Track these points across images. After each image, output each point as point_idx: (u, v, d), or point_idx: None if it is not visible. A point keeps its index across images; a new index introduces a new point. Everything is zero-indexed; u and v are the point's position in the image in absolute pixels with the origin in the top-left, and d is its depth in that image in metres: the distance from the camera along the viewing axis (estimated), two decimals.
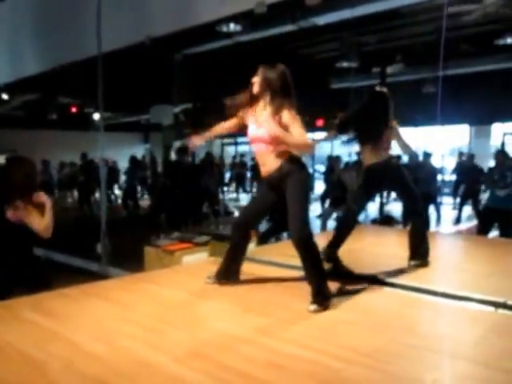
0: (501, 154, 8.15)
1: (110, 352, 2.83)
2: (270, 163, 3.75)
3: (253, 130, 3.83)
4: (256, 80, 3.76)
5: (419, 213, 4.91)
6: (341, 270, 4.57)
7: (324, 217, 10.41)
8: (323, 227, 10.12)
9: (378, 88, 4.96)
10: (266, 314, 3.47)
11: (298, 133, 3.58)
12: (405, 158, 12.24)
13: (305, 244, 3.62)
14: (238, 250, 4.16)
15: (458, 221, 11.73)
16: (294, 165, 3.71)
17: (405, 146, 4.91)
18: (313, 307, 3.51)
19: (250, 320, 3.37)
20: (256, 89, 3.76)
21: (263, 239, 7.31)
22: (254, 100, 3.83)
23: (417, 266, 4.72)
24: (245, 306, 3.69)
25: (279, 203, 3.82)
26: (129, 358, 2.75)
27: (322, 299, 3.57)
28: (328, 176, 12.22)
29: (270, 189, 3.91)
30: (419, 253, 4.78)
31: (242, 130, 3.98)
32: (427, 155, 10.46)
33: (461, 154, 13.31)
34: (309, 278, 3.67)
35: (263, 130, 3.70)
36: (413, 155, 8.59)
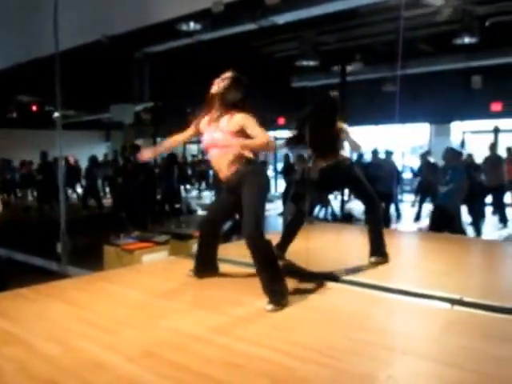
0: (451, 151, 8.18)
1: (64, 353, 2.80)
2: (226, 168, 3.80)
3: (208, 136, 3.88)
4: (222, 81, 3.83)
5: (375, 210, 4.96)
6: (291, 269, 4.58)
7: (285, 215, 10.47)
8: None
9: (330, 93, 5.00)
10: (222, 313, 3.47)
11: (258, 133, 3.66)
12: (367, 157, 12.41)
13: (256, 245, 3.63)
14: (208, 247, 4.26)
15: (417, 218, 11.90)
16: (250, 168, 3.76)
17: (354, 144, 4.94)
18: (269, 307, 3.50)
19: (207, 319, 3.35)
20: (220, 89, 3.81)
21: (225, 238, 7.31)
22: (210, 105, 3.90)
23: (377, 263, 4.76)
24: (201, 304, 3.68)
25: (239, 205, 3.84)
26: (82, 358, 2.72)
27: (278, 298, 3.56)
28: (286, 174, 12.27)
29: (229, 192, 3.96)
30: (379, 249, 4.83)
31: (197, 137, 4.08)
32: (388, 153, 10.52)
33: (423, 156, 13.38)
34: (261, 278, 3.66)
35: (219, 133, 3.76)
36: (361, 153, 8.62)
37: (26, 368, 2.62)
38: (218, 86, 3.83)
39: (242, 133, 3.70)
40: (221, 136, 3.75)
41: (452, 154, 7.95)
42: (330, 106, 4.83)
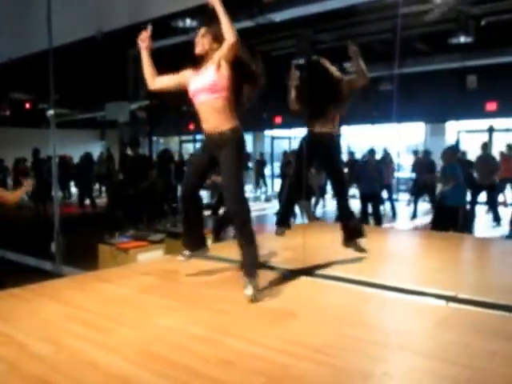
0: (449, 150, 8.19)
1: (57, 352, 2.78)
2: (213, 121, 3.74)
3: (195, 83, 3.80)
4: (202, 37, 3.78)
5: (345, 195, 4.92)
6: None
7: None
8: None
9: (314, 57, 4.95)
10: (217, 311, 3.45)
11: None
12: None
13: (242, 219, 3.72)
14: (193, 219, 4.17)
15: (414, 216, 11.92)
16: (236, 136, 3.75)
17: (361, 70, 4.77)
18: (249, 292, 3.61)
19: (202, 317, 3.33)
20: (205, 46, 3.77)
21: (217, 236, 7.27)
22: (198, 61, 3.84)
23: (355, 249, 4.78)
24: (196, 303, 3.65)
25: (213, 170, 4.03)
26: (76, 357, 2.70)
27: (256, 280, 3.70)
28: (284, 171, 12.23)
29: (207, 150, 3.90)
30: (353, 234, 4.81)
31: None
32: (371, 152, 10.22)
33: (416, 152, 13.50)
34: (245, 255, 3.75)
35: (206, 77, 3.71)
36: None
37: (18, 368, 2.59)
38: (201, 44, 3.79)
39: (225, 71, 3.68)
40: (207, 78, 3.70)
41: (450, 153, 7.96)
42: (320, 71, 4.78)
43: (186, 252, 4.22)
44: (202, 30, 3.80)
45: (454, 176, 7.58)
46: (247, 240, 3.74)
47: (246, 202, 3.80)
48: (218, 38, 3.71)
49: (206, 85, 3.70)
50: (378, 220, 9.56)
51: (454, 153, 8.15)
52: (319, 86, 4.69)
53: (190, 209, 4.11)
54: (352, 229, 4.81)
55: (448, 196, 7.65)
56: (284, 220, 4.99)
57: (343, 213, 4.88)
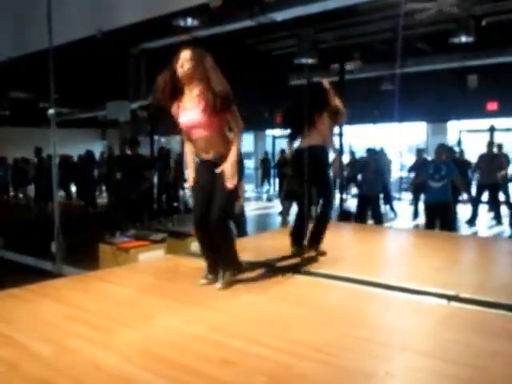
0: (441, 147, 8.25)
1: (58, 353, 2.76)
2: (213, 148, 3.81)
3: (186, 117, 3.79)
4: (186, 62, 3.70)
5: (329, 203, 5.03)
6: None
7: (284, 211, 10.45)
8: (284, 222, 10.17)
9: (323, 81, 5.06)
10: (218, 311, 3.44)
11: (233, 116, 3.78)
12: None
13: (223, 228, 3.89)
14: (211, 245, 4.03)
15: (415, 215, 11.90)
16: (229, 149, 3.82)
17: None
18: (219, 284, 3.89)
19: (203, 317, 3.32)
20: (188, 70, 3.70)
21: None
22: (177, 88, 3.80)
23: (316, 255, 4.84)
24: (197, 302, 3.63)
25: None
26: (77, 358, 2.68)
27: (230, 277, 3.96)
28: (281, 170, 12.19)
29: (205, 173, 3.93)
30: (320, 239, 4.94)
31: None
32: (371, 152, 10.03)
33: (420, 151, 13.36)
34: (224, 256, 3.97)
35: (196, 112, 3.70)
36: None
37: (18, 369, 2.57)
38: (183, 68, 3.71)
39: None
40: (198, 114, 3.70)
41: (442, 150, 7.99)
42: (318, 92, 4.92)
43: (210, 276, 4.08)
44: (187, 54, 3.73)
45: (449, 174, 7.64)
46: (226, 247, 3.98)
47: (229, 220, 4.08)
48: (202, 62, 3.70)
49: (198, 121, 3.74)
50: (379, 220, 9.53)
51: (446, 150, 8.19)
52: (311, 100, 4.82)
53: (205, 236, 3.99)
54: (321, 234, 4.93)
55: (438, 193, 7.70)
56: (296, 240, 5.00)
57: (322, 218, 4.99)
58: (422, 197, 11.85)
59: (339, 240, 6.36)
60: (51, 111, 7.01)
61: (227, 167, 3.76)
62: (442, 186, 7.72)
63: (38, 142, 14.07)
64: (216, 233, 3.87)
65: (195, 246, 6.08)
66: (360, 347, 2.83)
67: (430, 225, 8.06)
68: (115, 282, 4.28)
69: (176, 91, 3.80)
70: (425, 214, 8.41)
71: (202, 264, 4.37)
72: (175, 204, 12.57)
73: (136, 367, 2.57)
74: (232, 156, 3.77)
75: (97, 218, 12.10)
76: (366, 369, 2.56)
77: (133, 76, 10.90)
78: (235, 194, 4.01)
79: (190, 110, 3.75)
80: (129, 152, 8.80)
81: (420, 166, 11.46)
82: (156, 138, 13.05)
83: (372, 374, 2.50)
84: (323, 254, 4.88)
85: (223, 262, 3.98)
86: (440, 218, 7.89)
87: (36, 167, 14.73)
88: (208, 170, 3.89)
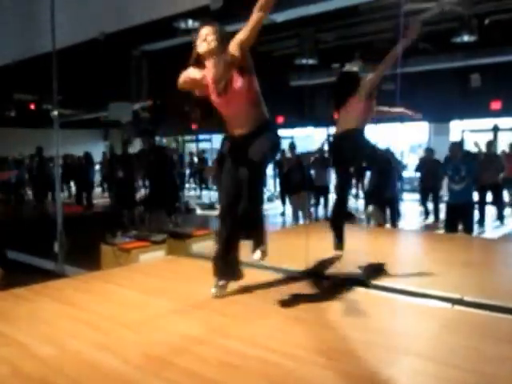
0: (456, 146, 8.02)
1: (59, 354, 2.77)
2: (246, 121, 3.50)
3: (217, 96, 3.50)
4: (207, 36, 3.44)
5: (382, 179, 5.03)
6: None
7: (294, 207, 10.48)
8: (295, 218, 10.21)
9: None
10: (219, 313, 3.44)
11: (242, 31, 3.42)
12: None
13: (253, 218, 3.56)
14: (233, 238, 3.75)
15: (426, 215, 11.86)
16: (266, 126, 3.54)
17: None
18: (257, 255, 3.57)
19: (204, 319, 3.32)
20: (211, 45, 3.42)
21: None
22: (200, 67, 3.54)
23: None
24: (198, 305, 3.64)
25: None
26: (77, 359, 2.70)
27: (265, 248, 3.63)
28: (281, 169, 12.16)
29: (235, 152, 3.61)
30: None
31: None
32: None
33: (429, 150, 13.26)
34: (256, 234, 3.62)
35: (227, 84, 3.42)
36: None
37: (19, 369, 2.59)
38: (206, 43, 3.43)
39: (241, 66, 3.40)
40: (234, 90, 3.41)
41: (457, 149, 7.83)
42: (342, 81, 4.99)
43: (221, 282, 3.79)
44: (206, 29, 3.46)
45: (470, 174, 7.47)
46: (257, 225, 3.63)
47: (262, 208, 3.66)
48: (222, 39, 3.44)
49: (231, 91, 3.43)
50: (395, 223, 9.42)
51: (460, 149, 8.05)
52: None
53: (232, 229, 3.67)
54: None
55: (461, 193, 7.52)
56: (337, 240, 5.00)
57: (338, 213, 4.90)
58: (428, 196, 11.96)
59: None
60: (54, 113, 7.05)
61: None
62: (465, 188, 7.48)
63: (42, 142, 14.16)
64: (246, 221, 3.52)
65: (196, 247, 6.13)
66: (362, 351, 2.80)
67: (450, 226, 7.85)
68: (116, 282, 4.29)
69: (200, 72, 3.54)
70: (445, 215, 8.25)
71: (202, 265, 4.35)
72: (177, 204, 12.56)
73: (136, 369, 2.57)
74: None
75: (97, 219, 12.12)
76: (367, 373, 2.55)
77: (134, 77, 10.93)
78: (264, 171, 3.70)
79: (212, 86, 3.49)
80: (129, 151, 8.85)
81: (427, 165, 11.47)
82: (158, 138, 13.06)
83: (374, 379, 2.49)
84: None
85: (256, 231, 3.61)
86: (462, 220, 7.68)
87: (37, 166, 14.81)
88: (238, 148, 3.52)
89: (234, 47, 3.38)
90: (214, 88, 3.48)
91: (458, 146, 8.14)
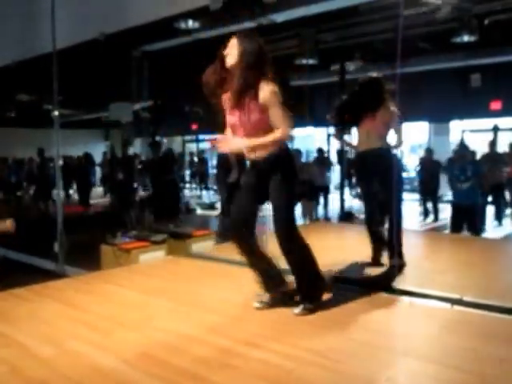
0: (462, 147, 8.05)
1: (59, 355, 2.78)
2: (259, 149, 3.33)
3: (232, 117, 3.37)
4: (231, 51, 3.28)
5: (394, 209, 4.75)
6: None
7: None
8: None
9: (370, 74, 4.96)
10: (219, 313, 3.44)
11: (277, 120, 3.23)
12: None
13: (288, 243, 3.36)
14: (256, 255, 3.52)
15: (425, 215, 11.87)
16: (280, 154, 3.33)
17: (398, 138, 4.75)
18: (297, 310, 3.38)
19: (204, 319, 3.33)
20: (231, 61, 3.26)
21: (223, 237, 7.27)
22: (223, 78, 3.33)
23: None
24: (199, 305, 3.65)
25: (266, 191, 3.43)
26: (77, 360, 2.70)
27: (310, 301, 3.42)
28: None
29: (253, 178, 3.48)
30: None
31: None
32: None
33: (429, 150, 13.23)
34: (296, 278, 3.46)
35: (244, 113, 3.27)
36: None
37: (18, 370, 2.60)
38: (230, 56, 3.26)
39: (264, 111, 3.23)
40: (246, 117, 3.26)
41: (465, 150, 7.84)
42: (369, 89, 4.73)
43: (265, 298, 3.55)
44: (233, 41, 3.30)
45: (475, 173, 7.48)
46: (297, 267, 3.43)
47: (295, 228, 3.43)
48: (254, 51, 3.24)
49: (244, 124, 3.30)
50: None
51: (467, 149, 8.05)
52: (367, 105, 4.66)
53: (243, 245, 3.49)
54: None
55: (467, 193, 7.52)
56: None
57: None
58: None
59: (343, 242, 6.36)
60: (55, 113, 7.06)
61: (248, 141, 3.29)
62: (470, 188, 7.48)
63: (42, 142, 14.16)
64: (285, 248, 3.35)
65: (196, 247, 6.13)
66: (362, 352, 2.81)
67: (455, 227, 7.83)
68: (117, 283, 4.30)
69: (223, 83, 3.34)
70: (451, 215, 8.23)
71: (202, 266, 4.36)
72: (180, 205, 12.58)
73: (135, 370, 2.58)
74: (262, 140, 3.25)
75: (98, 219, 12.13)
76: (367, 374, 2.55)
77: (135, 78, 10.93)
78: (292, 197, 3.46)
79: (236, 109, 3.32)
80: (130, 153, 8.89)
81: (427, 165, 11.48)
82: (158, 138, 13.07)
83: (373, 380, 2.49)
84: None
85: (300, 283, 3.45)
86: (467, 220, 7.67)
87: (38, 167, 14.84)
88: (257, 173, 3.43)
89: (267, 95, 3.21)
90: (229, 99, 3.32)
91: (465, 146, 8.16)
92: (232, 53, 3.27)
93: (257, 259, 3.51)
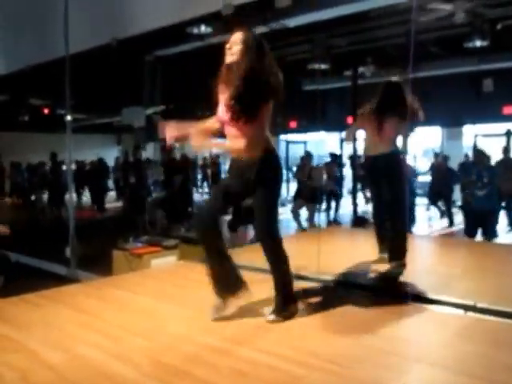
0: (480, 152, 7.95)
1: (68, 361, 2.78)
2: (245, 150, 3.23)
3: (223, 112, 3.28)
4: (233, 45, 3.19)
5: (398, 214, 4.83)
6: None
7: (295, 214, 10.44)
8: (299, 225, 10.16)
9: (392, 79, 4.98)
10: (229, 320, 3.42)
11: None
12: None
13: (269, 245, 3.34)
14: (218, 251, 3.44)
15: (442, 216, 11.81)
16: (265, 158, 3.24)
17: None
18: (271, 317, 3.36)
19: (215, 326, 3.31)
20: (233, 57, 3.17)
21: (232, 230, 7.25)
22: (225, 75, 3.24)
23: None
24: (208, 310, 3.61)
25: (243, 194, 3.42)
26: (87, 367, 2.70)
27: (281, 308, 3.39)
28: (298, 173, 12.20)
29: (235, 177, 3.41)
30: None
31: None
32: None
33: (436, 155, 13.27)
34: (275, 284, 3.42)
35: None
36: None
37: (28, 376, 2.59)
38: (230, 50, 3.18)
39: None
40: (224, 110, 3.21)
41: (481, 156, 7.80)
42: (391, 93, 4.83)
43: (217, 307, 3.44)
44: (235, 37, 3.21)
45: (492, 180, 7.42)
46: (275, 268, 3.41)
47: (276, 232, 3.38)
48: (254, 52, 3.15)
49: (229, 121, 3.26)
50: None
51: (484, 155, 7.99)
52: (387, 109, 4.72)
53: (206, 237, 3.44)
54: None
55: (486, 200, 7.45)
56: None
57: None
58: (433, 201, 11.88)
59: (354, 247, 6.34)
60: (68, 117, 7.10)
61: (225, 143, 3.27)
62: (488, 193, 7.42)
63: (55, 147, 14.26)
64: (266, 251, 3.35)
65: None
66: (373, 358, 2.79)
67: (470, 232, 7.79)
68: (129, 288, 4.30)
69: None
70: (466, 220, 8.19)
71: None
72: (190, 209, 12.58)
73: (146, 377, 2.57)
74: (241, 142, 3.18)
75: (110, 223, 12.19)
76: (378, 381, 2.53)
77: (147, 82, 10.98)
78: (275, 201, 3.39)
79: (222, 103, 3.25)
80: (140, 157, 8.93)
81: (438, 170, 11.42)
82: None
83: None
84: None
85: (276, 287, 3.41)
86: (483, 226, 7.63)
87: (51, 172, 14.93)
88: (238, 173, 3.35)
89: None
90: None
91: (482, 152, 8.06)
92: (233, 50, 3.18)
93: (221, 258, 3.43)
